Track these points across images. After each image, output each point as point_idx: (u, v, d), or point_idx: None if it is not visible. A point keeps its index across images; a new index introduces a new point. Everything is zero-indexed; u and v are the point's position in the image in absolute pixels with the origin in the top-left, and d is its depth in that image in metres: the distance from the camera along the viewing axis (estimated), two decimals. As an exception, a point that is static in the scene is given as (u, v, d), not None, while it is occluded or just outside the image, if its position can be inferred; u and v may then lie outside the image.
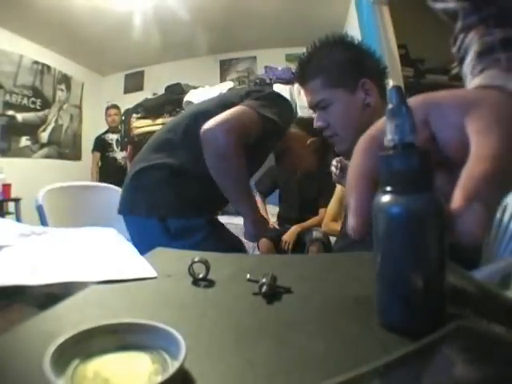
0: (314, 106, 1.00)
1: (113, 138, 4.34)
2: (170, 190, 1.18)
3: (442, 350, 0.26)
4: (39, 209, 1.38)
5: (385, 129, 0.31)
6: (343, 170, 1.10)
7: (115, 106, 4.38)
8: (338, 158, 1.12)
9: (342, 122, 0.96)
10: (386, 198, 0.30)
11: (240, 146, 1.05)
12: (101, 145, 4.31)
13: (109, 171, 4.12)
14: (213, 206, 1.21)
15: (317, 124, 1.00)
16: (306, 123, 1.42)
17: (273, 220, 2.79)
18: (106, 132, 4.41)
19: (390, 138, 0.31)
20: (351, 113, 0.94)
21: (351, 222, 0.32)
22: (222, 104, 1.17)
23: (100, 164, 4.30)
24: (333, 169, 1.13)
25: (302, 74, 1.00)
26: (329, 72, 0.94)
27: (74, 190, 1.77)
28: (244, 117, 1.08)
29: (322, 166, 1.51)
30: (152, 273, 0.54)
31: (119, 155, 4.27)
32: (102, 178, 4.00)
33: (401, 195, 0.30)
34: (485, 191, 0.26)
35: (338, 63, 0.94)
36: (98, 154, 4.28)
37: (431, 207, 0.29)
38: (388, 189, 0.30)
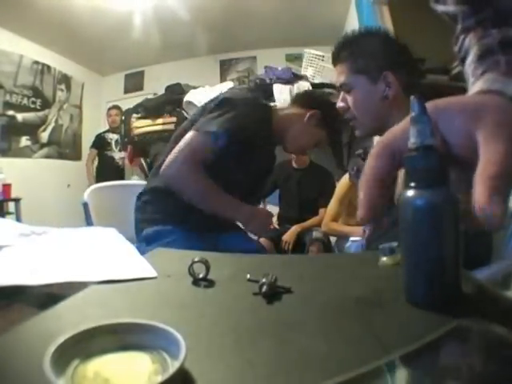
0: (339, 87, 1.05)
1: (113, 137, 4.30)
2: (153, 208, 1.29)
3: (442, 349, 0.26)
4: (84, 206, 1.42)
5: (398, 135, 0.36)
6: (359, 169, 1.13)
7: (116, 107, 4.36)
8: (353, 160, 1.15)
9: (359, 109, 0.99)
10: (410, 193, 0.36)
11: (197, 173, 1.17)
12: (99, 142, 4.29)
13: (106, 170, 4.11)
14: (190, 217, 1.24)
15: (339, 105, 1.05)
16: (302, 98, 1.40)
17: (273, 220, 2.79)
18: (107, 131, 4.39)
19: (413, 141, 0.36)
20: (369, 101, 0.97)
21: (359, 212, 0.36)
22: (188, 127, 1.26)
23: (97, 162, 4.28)
24: (349, 170, 1.16)
25: (335, 55, 1.04)
26: (356, 58, 0.98)
27: (118, 188, 1.83)
28: (193, 144, 1.18)
29: (335, 136, 1.46)
30: (152, 273, 0.54)
31: (117, 155, 4.24)
32: (98, 177, 4.01)
33: (423, 189, 0.36)
34: (501, 187, 0.30)
35: (366, 52, 0.98)
36: (94, 151, 4.27)
37: (448, 199, 0.35)
38: (412, 184, 0.36)
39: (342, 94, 1.05)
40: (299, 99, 1.41)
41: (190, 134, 1.19)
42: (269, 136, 1.33)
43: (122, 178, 3.98)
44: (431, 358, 0.25)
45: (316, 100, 1.39)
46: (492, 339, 0.27)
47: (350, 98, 1.01)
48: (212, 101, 1.27)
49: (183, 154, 1.17)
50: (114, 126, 4.30)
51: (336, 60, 1.04)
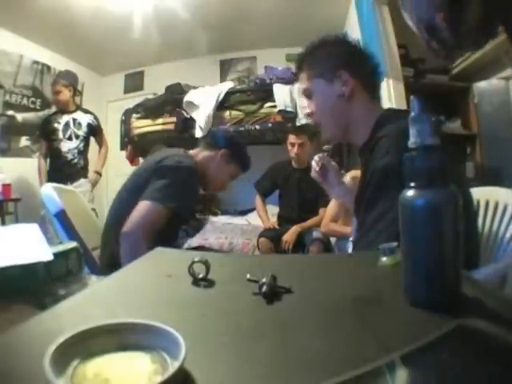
0: (303, 95, 1.10)
1: (61, 121, 3.06)
2: None
3: (442, 349, 0.26)
4: (58, 215, 1.35)
5: None
6: (323, 167, 1.12)
7: (63, 80, 3.10)
8: (320, 155, 1.15)
9: (321, 111, 1.03)
10: (410, 193, 0.37)
11: (149, 240, 1.25)
12: (44, 130, 3.12)
13: (54, 167, 3.07)
14: None
15: (306, 111, 1.11)
16: (209, 140, 1.56)
17: (273, 220, 2.79)
18: (56, 112, 3.18)
19: (412, 140, 0.37)
20: (328, 101, 1.01)
21: None
22: (135, 187, 1.36)
23: (49, 156, 3.14)
24: (313, 164, 1.14)
25: (297, 67, 1.10)
26: (312, 64, 1.03)
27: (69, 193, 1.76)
28: (150, 215, 1.27)
29: (246, 166, 1.61)
30: (47, 256, 0.54)
31: (66, 146, 3.05)
32: (50, 175, 3.03)
33: (423, 190, 0.36)
34: None
35: (321, 57, 1.03)
36: (44, 143, 3.13)
37: (448, 200, 0.36)
38: (412, 184, 0.37)
39: (307, 101, 1.09)
40: (207, 142, 1.56)
41: (146, 204, 1.27)
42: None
43: (73, 176, 3.02)
44: (431, 358, 0.25)
45: (223, 139, 1.55)
46: (492, 339, 0.27)
47: (312, 103, 1.05)
48: (158, 163, 1.35)
49: (142, 227, 1.25)
50: (60, 106, 3.13)
51: (298, 70, 1.09)
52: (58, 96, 3.07)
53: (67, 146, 3.05)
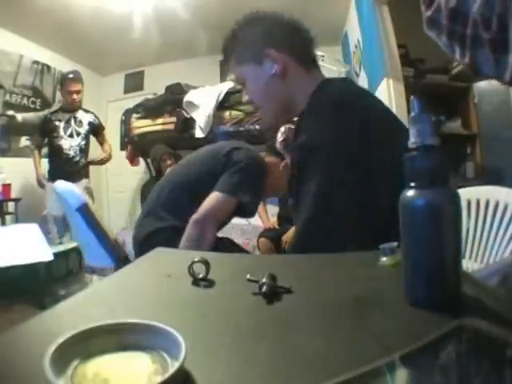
0: (238, 84, 1.08)
1: (62, 118, 3.05)
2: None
3: (442, 349, 0.26)
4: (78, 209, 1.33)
5: None
6: (287, 139, 1.11)
7: (77, 79, 3.11)
8: (287, 126, 1.12)
9: (257, 94, 0.99)
10: (410, 193, 0.37)
11: (214, 230, 1.30)
12: (44, 127, 3.11)
13: (55, 165, 3.06)
14: None
15: (245, 98, 1.07)
16: (275, 149, 1.55)
17: (273, 220, 2.79)
18: (58, 110, 3.18)
19: (413, 140, 0.36)
20: (261, 84, 0.96)
21: None
22: (204, 173, 1.36)
23: (48, 155, 3.18)
24: (278, 135, 1.13)
25: (223, 57, 1.04)
26: (237, 50, 0.98)
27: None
28: (221, 207, 1.30)
29: None
30: (48, 256, 0.54)
31: (67, 143, 3.03)
32: (51, 174, 3.05)
33: (423, 189, 0.36)
34: None
35: (243, 40, 0.98)
36: (39, 140, 3.16)
37: (448, 200, 0.36)
38: (412, 184, 0.37)
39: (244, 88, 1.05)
40: (274, 150, 1.56)
41: (219, 196, 1.29)
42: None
43: (75, 175, 2.96)
44: (431, 358, 0.25)
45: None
46: (492, 339, 0.27)
47: (247, 90, 1.00)
48: (235, 163, 1.34)
49: (212, 217, 1.28)
50: (74, 105, 3.11)
51: (225, 61, 1.04)
52: (78, 95, 3.07)
53: (68, 143, 3.03)
